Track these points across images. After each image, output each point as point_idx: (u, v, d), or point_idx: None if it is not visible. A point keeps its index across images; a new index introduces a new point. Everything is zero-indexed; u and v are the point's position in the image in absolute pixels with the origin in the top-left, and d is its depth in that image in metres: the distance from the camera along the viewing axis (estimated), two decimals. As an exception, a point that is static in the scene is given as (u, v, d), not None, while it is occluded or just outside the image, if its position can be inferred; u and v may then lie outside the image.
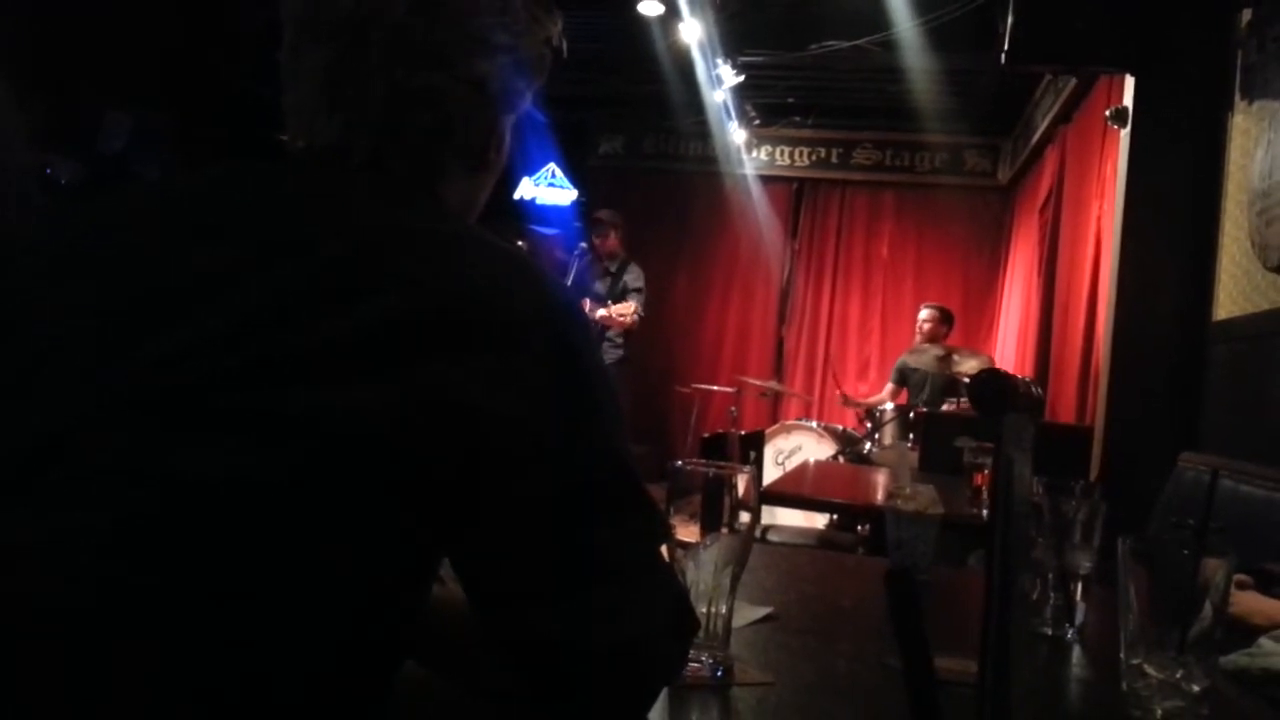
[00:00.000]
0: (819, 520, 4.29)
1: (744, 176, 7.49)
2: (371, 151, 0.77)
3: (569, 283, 5.24)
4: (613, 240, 5.82)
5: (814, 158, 7.61)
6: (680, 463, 0.90)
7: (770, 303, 7.73)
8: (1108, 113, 3.33)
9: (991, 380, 0.59)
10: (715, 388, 6.46)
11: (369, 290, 0.63)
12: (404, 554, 0.64)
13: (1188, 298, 3.04)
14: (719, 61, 5.60)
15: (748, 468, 0.91)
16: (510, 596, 0.67)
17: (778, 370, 7.57)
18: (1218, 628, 0.84)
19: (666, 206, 7.64)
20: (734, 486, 0.88)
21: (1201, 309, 3.00)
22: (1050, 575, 1.13)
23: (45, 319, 0.66)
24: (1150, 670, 0.84)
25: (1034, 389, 0.64)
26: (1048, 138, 5.56)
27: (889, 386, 5.81)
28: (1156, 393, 3.07)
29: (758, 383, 6.26)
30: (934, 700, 0.50)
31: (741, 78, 5.78)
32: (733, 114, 6.65)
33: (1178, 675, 0.83)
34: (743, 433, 3.53)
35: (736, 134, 7.00)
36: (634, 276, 5.74)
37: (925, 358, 4.92)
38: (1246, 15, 2.89)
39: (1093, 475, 3.12)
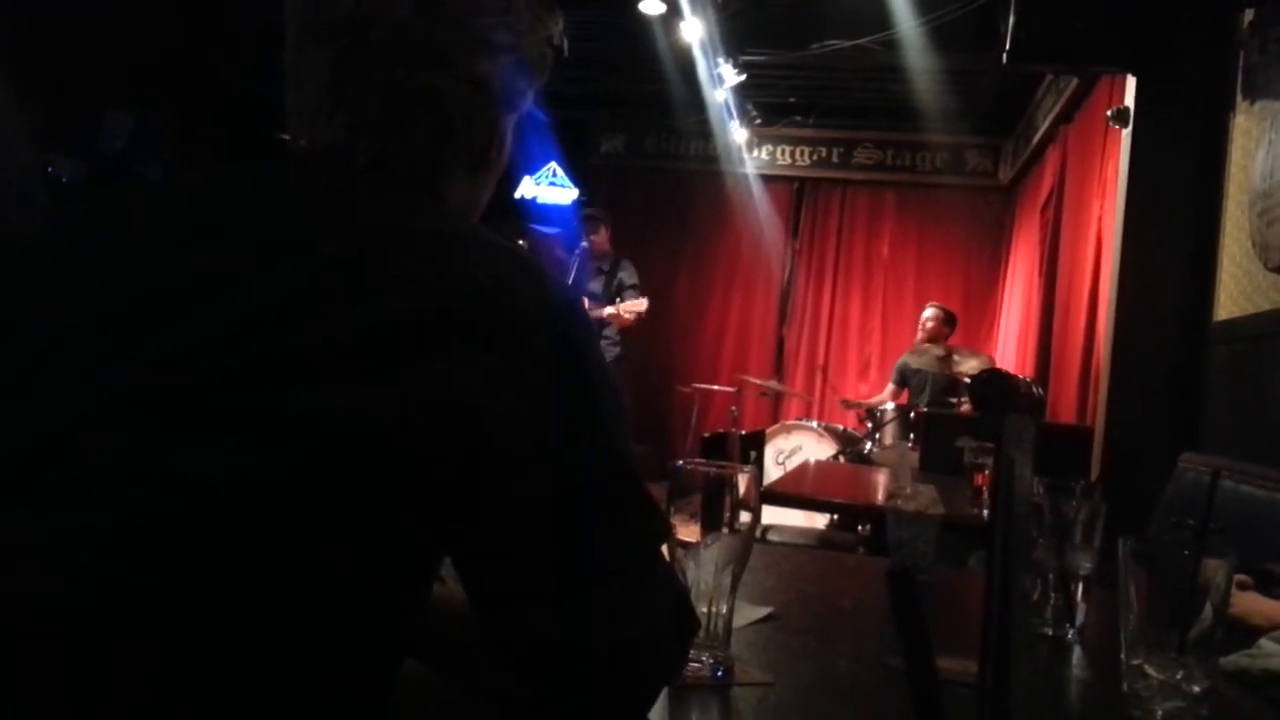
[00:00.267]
0: (819, 520, 4.29)
1: (745, 176, 7.49)
2: (373, 151, 0.77)
3: (569, 282, 5.27)
4: (603, 236, 5.87)
5: (815, 157, 7.61)
6: (681, 462, 0.90)
7: (771, 302, 7.73)
8: (1109, 113, 3.33)
9: (993, 380, 0.59)
10: (716, 387, 6.47)
11: (370, 290, 0.63)
12: (404, 554, 0.64)
13: (1188, 298, 3.03)
14: (720, 60, 5.60)
15: (748, 467, 0.91)
16: (511, 596, 0.67)
17: (778, 370, 7.57)
18: (1218, 629, 0.83)
19: (667, 206, 7.65)
20: (734, 486, 0.88)
21: (1202, 309, 2.99)
22: (1051, 576, 1.13)
23: (46, 319, 0.66)
24: (1150, 671, 0.84)
25: (1035, 389, 0.65)
26: (1049, 138, 5.55)
27: (890, 387, 5.80)
28: (1157, 393, 3.06)
29: (758, 382, 6.26)
30: (936, 700, 0.50)
31: (743, 77, 5.78)
32: (734, 113, 6.65)
33: (1178, 676, 0.83)
34: (743, 432, 3.53)
35: (737, 133, 7.00)
36: (629, 274, 5.82)
37: (926, 358, 4.92)
38: (1248, 16, 2.89)
39: (1093, 476, 3.12)
